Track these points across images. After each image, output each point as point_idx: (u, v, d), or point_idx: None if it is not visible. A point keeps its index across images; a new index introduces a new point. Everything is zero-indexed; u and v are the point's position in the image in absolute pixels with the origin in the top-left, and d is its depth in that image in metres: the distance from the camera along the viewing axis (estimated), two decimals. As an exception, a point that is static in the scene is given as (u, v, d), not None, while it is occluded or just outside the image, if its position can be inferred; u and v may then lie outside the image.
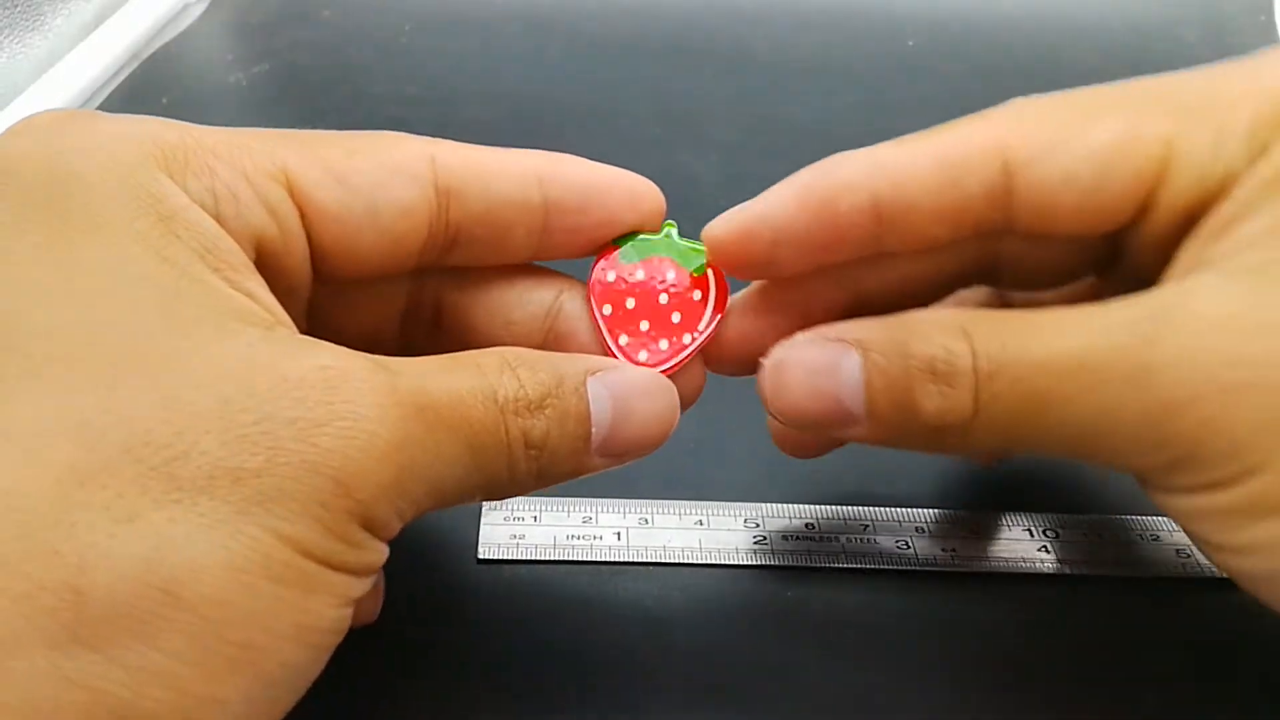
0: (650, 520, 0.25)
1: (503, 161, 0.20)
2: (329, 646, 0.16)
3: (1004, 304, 0.23)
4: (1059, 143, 0.18)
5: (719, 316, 0.21)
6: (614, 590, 0.24)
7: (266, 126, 0.20)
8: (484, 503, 0.25)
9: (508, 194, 0.20)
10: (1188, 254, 0.18)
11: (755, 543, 0.25)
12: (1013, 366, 0.17)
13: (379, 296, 0.21)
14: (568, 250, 0.21)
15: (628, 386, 0.19)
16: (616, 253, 0.22)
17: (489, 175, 0.20)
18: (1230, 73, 0.19)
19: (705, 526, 0.25)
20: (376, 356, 0.17)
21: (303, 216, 0.19)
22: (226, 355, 0.16)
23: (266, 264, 0.18)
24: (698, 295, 0.22)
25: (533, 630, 0.23)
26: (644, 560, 0.24)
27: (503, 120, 0.44)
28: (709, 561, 0.24)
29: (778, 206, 0.20)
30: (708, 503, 0.26)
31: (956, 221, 0.19)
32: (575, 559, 0.24)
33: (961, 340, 0.18)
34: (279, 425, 0.15)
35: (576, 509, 0.25)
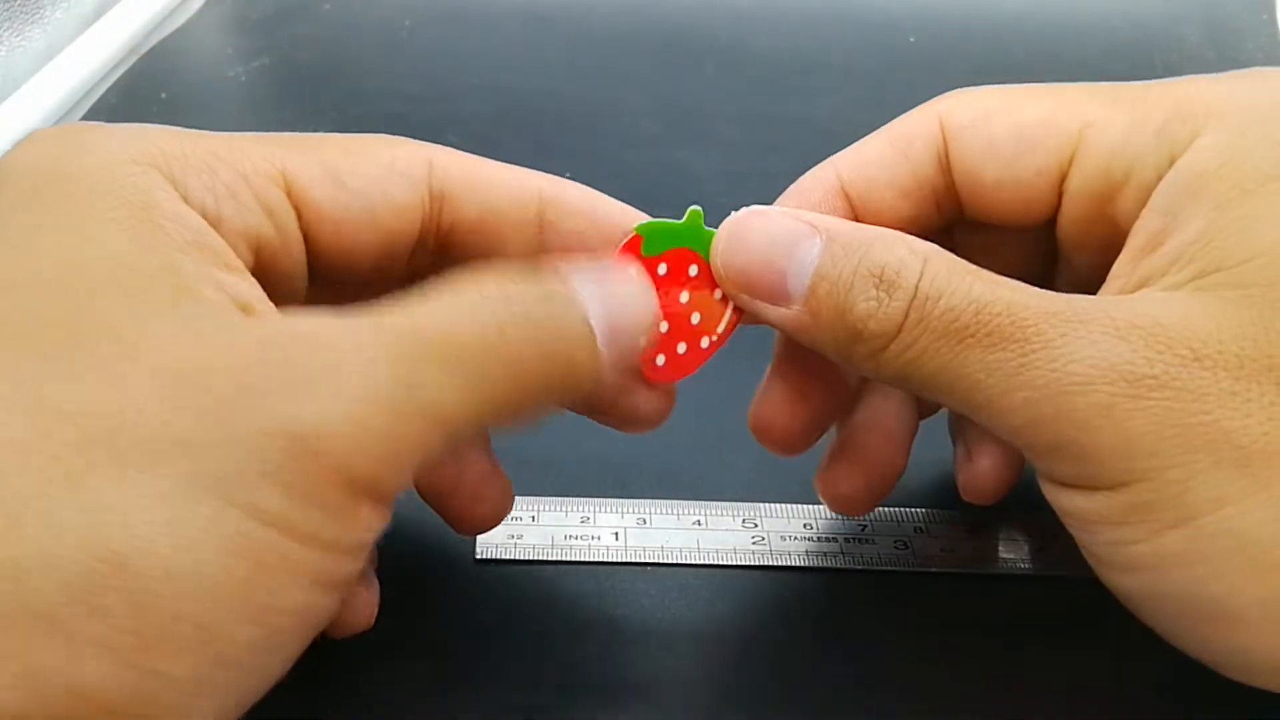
0: (648, 520, 0.25)
1: (501, 173, 0.21)
2: (298, 631, 0.15)
3: None
4: (990, 116, 0.20)
5: (737, 317, 0.21)
6: (612, 590, 0.24)
7: (265, 121, 0.20)
8: None
9: (503, 205, 0.20)
10: (1123, 266, 0.19)
11: (754, 543, 0.25)
12: (950, 299, 0.17)
13: (371, 299, 0.21)
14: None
15: (609, 290, 0.19)
16: (640, 243, 0.21)
17: (485, 184, 0.20)
18: (1178, 82, 0.20)
19: (703, 526, 0.25)
20: (354, 310, 0.16)
21: (300, 216, 0.19)
22: (183, 333, 0.15)
23: (263, 265, 0.18)
24: (719, 294, 0.21)
25: (532, 631, 0.23)
26: (642, 560, 0.24)
27: (502, 116, 0.44)
28: (707, 562, 0.24)
29: (764, 216, 0.21)
30: (706, 503, 0.26)
31: (915, 192, 0.21)
32: (573, 559, 0.24)
33: (917, 259, 0.18)
34: (230, 393, 0.15)
35: (574, 509, 0.25)
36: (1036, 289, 0.18)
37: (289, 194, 0.18)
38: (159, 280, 0.16)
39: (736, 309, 0.21)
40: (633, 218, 0.21)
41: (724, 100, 0.45)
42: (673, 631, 0.23)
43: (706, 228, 0.21)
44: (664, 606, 0.24)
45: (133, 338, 0.15)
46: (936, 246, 0.19)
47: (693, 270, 0.21)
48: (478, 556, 0.24)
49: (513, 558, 0.24)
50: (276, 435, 0.14)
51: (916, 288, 0.18)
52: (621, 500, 0.26)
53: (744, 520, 0.25)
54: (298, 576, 0.15)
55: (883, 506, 0.25)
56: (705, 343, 0.21)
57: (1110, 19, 0.51)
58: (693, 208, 0.21)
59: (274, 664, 0.16)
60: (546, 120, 0.43)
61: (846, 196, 0.21)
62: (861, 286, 0.18)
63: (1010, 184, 0.20)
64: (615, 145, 0.41)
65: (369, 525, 0.16)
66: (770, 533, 0.25)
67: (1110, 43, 0.50)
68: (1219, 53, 0.49)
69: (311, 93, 0.45)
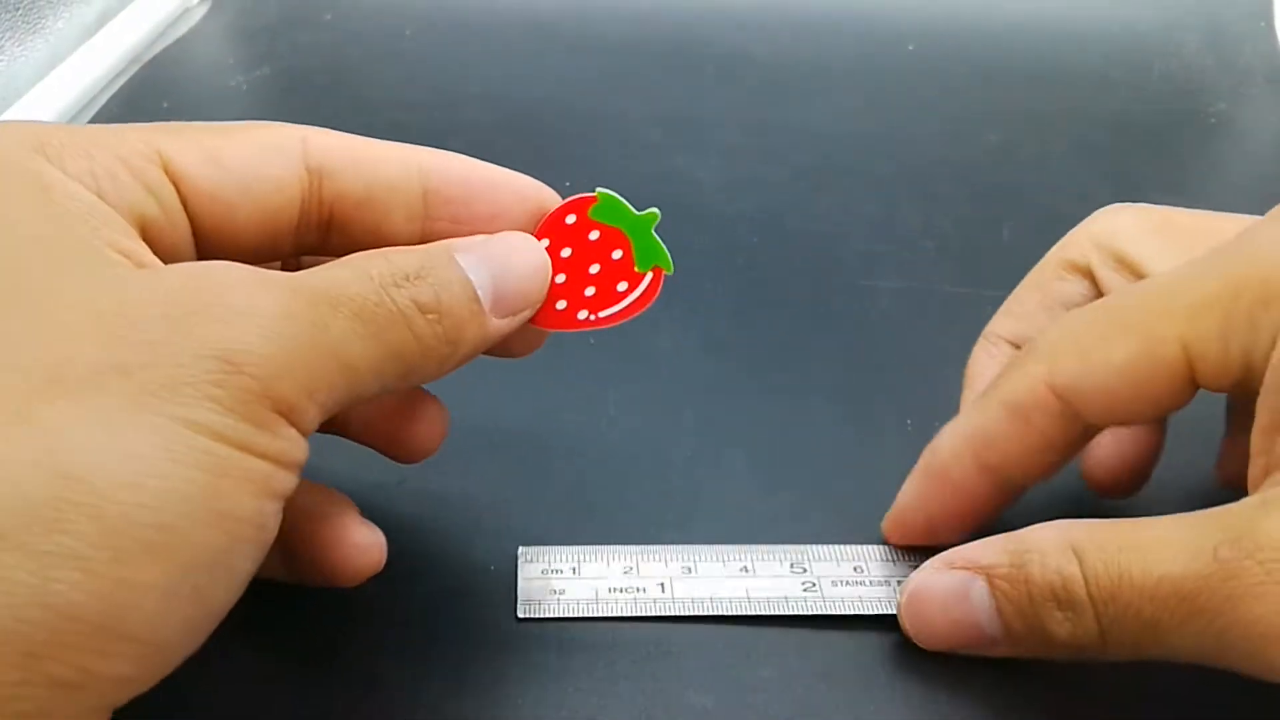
0: (694, 569, 0.24)
1: (379, 147, 0.21)
2: (251, 540, 0.16)
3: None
4: (1089, 370, 0.21)
5: (625, 317, 0.22)
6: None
7: None
8: (519, 556, 0.24)
9: (384, 177, 0.21)
10: (1259, 443, 0.20)
11: (804, 589, 0.24)
12: (1123, 594, 0.19)
13: None
14: None
15: (495, 247, 0.20)
16: (594, 203, 0.22)
17: (363, 158, 0.21)
18: (1230, 256, 0.20)
19: (751, 574, 0.24)
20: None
21: (180, 195, 0.19)
22: (102, 283, 0.16)
23: (151, 241, 0.19)
24: (623, 286, 0.22)
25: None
26: (690, 614, 0.23)
27: (503, 124, 0.44)
28: (758, 613, 0.23)
29: (911, 493, 0.24)
30: (752, 546, 0.25)
31: (1046, 447, 0.22)
32: (618, 614, 0.23)
33: (1073, 563, 0.19)
34: (155, 323, 0.16)
35: (617, 559, 0.24)
36: (1178, 526, 0.19)
37: (167, 173, 0.19)
38: (68, 245, 0.17)
39: (629, 309, 0.22)
40: (518, 182, 0.22)
41: (724, 108, 0.45)
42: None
43: (654, 234, 0.22)
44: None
45: (56, 291, 0.16)
46: (1076, 529, 0.20)
47: (616, 254, 0.22)
48: (520, 616, 0.23)
49: (556, 615, 0.23)
50: (208, 357, 0.15)
51: (1090, 598, 0.19)
52: (666, 547, 0.25)
53: (792, 565, 0.24)
54: (247, 484, 0.16)
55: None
56: (583, 314, 0.22)
57: (1109, 27, 0.52)
58: (652, 209, 0.22)
59: (239, 574, 0.16)
60: (547, 128, 0.44)
61: (981, 466, 0.23)
62: (1048, 614, 0.20)
63: (1139, 406, 0.21)
64: (615, 152, 0.41)
65: (297, 443, 0.17)
66: (821, 579, 0.24)
67: (1109, 50, 0.50)
68: (1218, 59, 0.49)
69: (313, 102, 0.46)
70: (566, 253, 0.22)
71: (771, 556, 0.25)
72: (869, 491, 0.25)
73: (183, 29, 0.51)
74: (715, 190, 0.39)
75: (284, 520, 0.21)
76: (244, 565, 0.16)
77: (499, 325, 0.20)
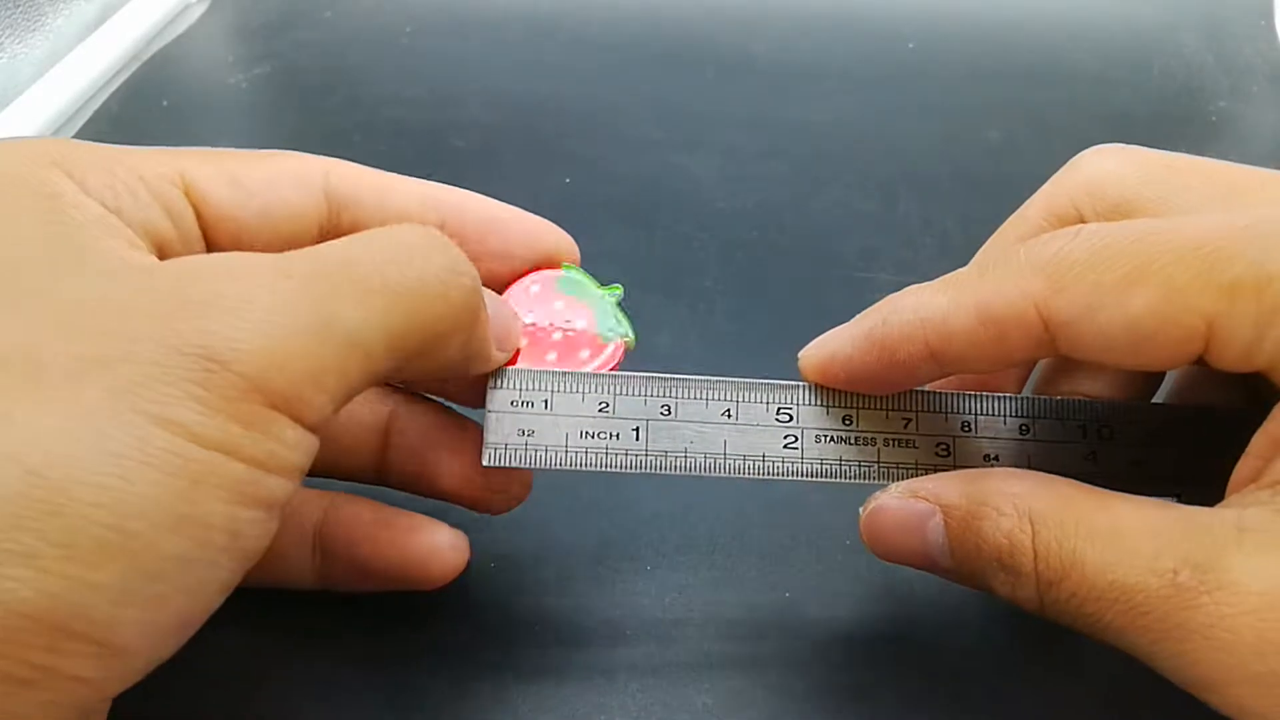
0: (673, 410, 0.22)
1: (400, 182, 0.22)
2: (228, 549, 0.15)
3: None
4: (1097, 307, 0.18)
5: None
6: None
7: (266, 128, 0.20)
8: (488, 382, 0.22)
9: (402, 211, 0.21)
10: (1257, 449, 0.18)
11: (785, 443, 0.22)
12: (1070, 583, 0.18)
13: None
14: None
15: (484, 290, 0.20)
16: (561, 273, 0.23)
17: (382, 191, 0.21)
18: (1272, 230, 0.18)
19: (733, 420, 0.22)
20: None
21: (199, 217, 0.19)
22: (94, 279, 0.16)
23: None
24: (585, 354, 0.22)
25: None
26: (662, 472, 0.22)
27: (504, 123, 0.44)
28: (732, 475, 0.22)
29: (848, 348, 0.21)
30: (738, 382, 0.22)
31: (1007, 361, 0.20)
32: (588, 467, 0.22)
33: (1025, 533, 0.19)
34: (143, 318, 0.15)
35: (593, 391, 0.22)
36: (1144, 523, 0.18)
37: (187, 195, 0.19)
38: (65, 249, 0.16)
39: (604, 365, 0.22)
40: (530, 223, 0.23)
41: (724, 106, 0.45)
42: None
43: (619, 307, 0.23)
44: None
45: (45, 291, 0.16)
46: (1038, 494, 0.19)
47: (580, 324, 0.23)
48: (485, 462, 0.21)
49: (523, 465, 0.22)
50: (189, 352, 0.15)
51: (1035, 574, 0.18)
52: (647, 378, 0.22)
53: (778, 411, 0.22)
54: (219, 489, 0.15)
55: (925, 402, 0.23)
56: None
57: (1109, 25, 0.52)
58: (615, 285, 0.23)
59: (208, 584, 0.16)
60: (547, 126, 0.44)
61: (931, 356, 0.20)
62: (991, 571, 0.19)
63: (1136, 363, 0.19)
64: (616, 150, 0.41)
65: (295, 445, 0.16)
66: (805, 430, 0.22)
67: (1109, 48, 0.50)
68: (1218, 58, 0.49)
69: (312, 99, 0.46)
70: (529, 319, 0.22)
71: (756, 398, 0.22)
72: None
73: (182, 26, 0.51)
74: (715, 186, 0.39)
75: (346, 531, 0.21)
76: (216, 574, 0.16)
77: (494, 346, 0.20)
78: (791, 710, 0.22)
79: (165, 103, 0.45)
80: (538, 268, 0.23)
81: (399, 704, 0.22)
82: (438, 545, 0.22)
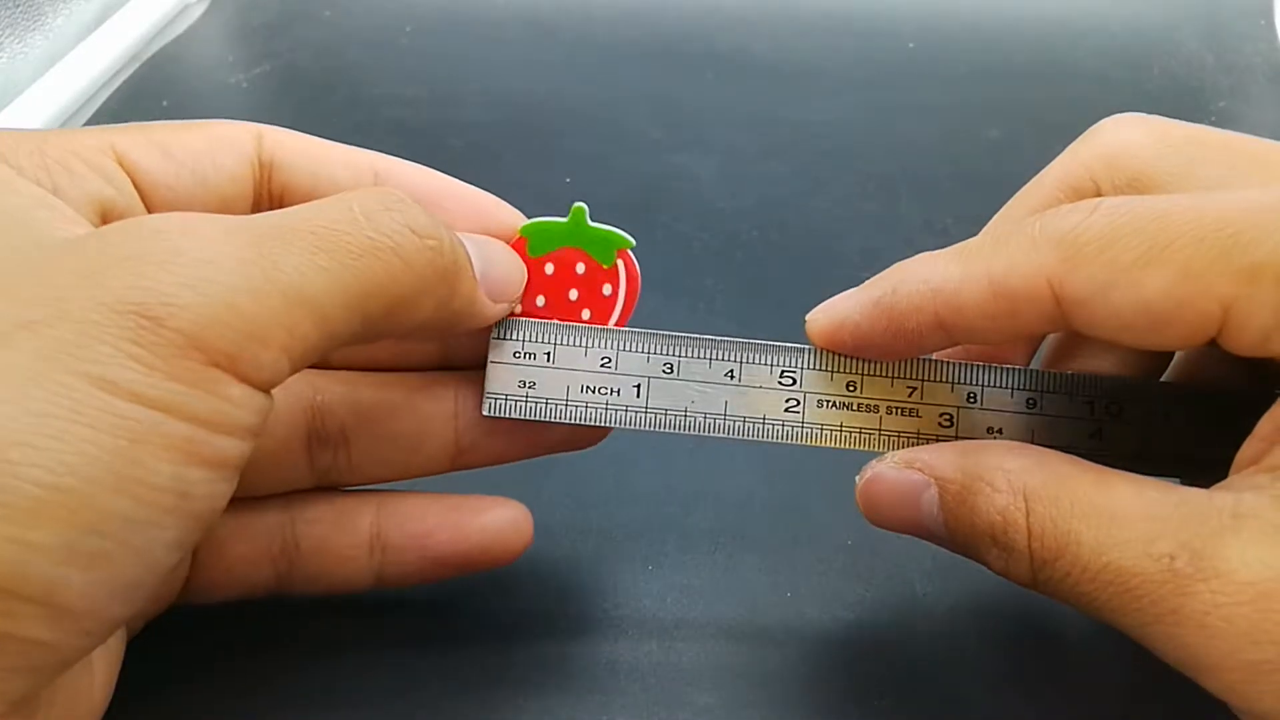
0: (675, 368, 0.22)
1: (331, 148, 0.22)
2: (172, 509, 0.15)
3: None
4: (1111, 286, 0.18)
5: (629, 308, 0.22)
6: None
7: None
8: (492, 332, 0.22)
9: (331, 174, 0.21)
10: (1263, 433, 0.18)
11: (786, 407, 0.22)
12: (1064, 563, 0.18)
13: None
14: None
15: (480, 240, 0.21)
16: (524, 245, 0.22)
17: (317, 156, 0.21)
18: None
19: (735, 381, 0.22)
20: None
21: (136, 187, 0.19)
22: (28, 251, 0.16)
23: None
24: (607, 290, 0.22)
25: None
26: (661, 430, 0.22)
27: (503, 122, 0.44)
28: (732, 436, 0.22)
29: (856, 314, 0.21)
30: (741, 343, 0.22)
31: (1018, 335, 0.20)
32: (587, 422, 0.22)
33: (1020, 511, 0.18)
34: (76, 279, 0.15)
35: (596, 345, 0.22)
36: (1140, 504, 0.18)
37: (121, 166, 0.19)
38: (12, 229, 0.16)
39: (628, 302, 0.22)
40: (474, 198, 0.22)
41: (724, 105, 0.45)
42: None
43: (591, 224, 0.21)
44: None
45: None
46: (1033, 471, 0.19)
47: (580, 268, 0.22)
48: (485, 412, 0.22)
49: (523, 416, 0.22)
50: (122, 310, 0.15)
51: (1030, 550, 0.18)
52: (650, 334, 0.22)
53: (782, 373, 0.22)
54: (163, 449, 0.15)
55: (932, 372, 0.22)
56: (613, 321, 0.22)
57: (1109, 24, 0.52)
58: (575, 204, 0.21)
59: (155, 544, 0.15)
60: (547, 125, 0.43)
61: (941, 327, 0.20)
62: (985, 546, 0.19)
63: (1150, 343, 0.19)
64: (616, 150, 0.41)
65: (242, 403, 0.16)
66: (808, 394, 0.22)
67: (1109, 48, 0.50)
68: (1218, 58, 0.49)
69: (313, 99, 0.46)
70: (541, 301, 0.22)
71: (760, 360, 0.22)
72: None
73: (182, 26, 0.51)
74: (716, 186, 0.39)
75: (413, 525, 0.22)
76: (164, 534, 0.15)
77: (488, 306, 0.20)
78: (793, 709, 0.22)
79: (165, 103, 0.45)
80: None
81: (399, 706, 0.22)
82: (511, 520, 0.22)
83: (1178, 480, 0.20)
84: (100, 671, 0.19)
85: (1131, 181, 0.21)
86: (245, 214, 0.20)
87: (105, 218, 0.19)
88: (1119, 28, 0.51)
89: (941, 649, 0.24)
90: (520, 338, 0.22)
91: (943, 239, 0.36)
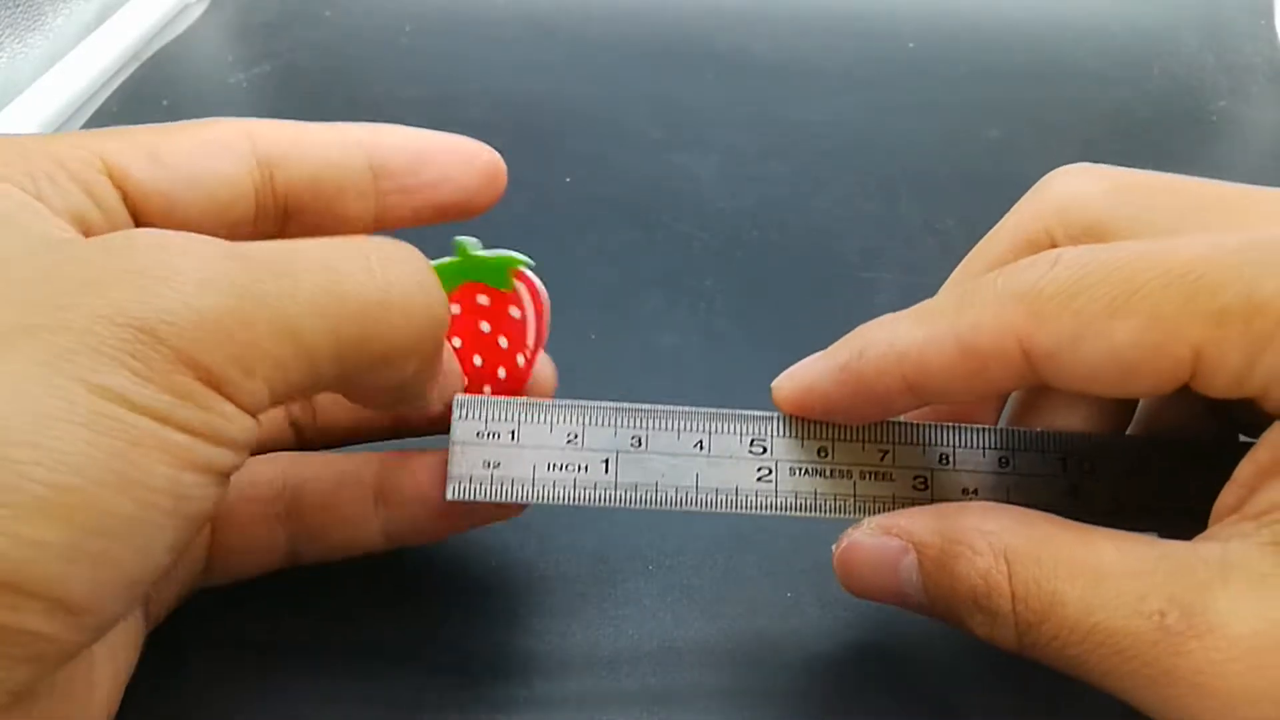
0: (644, 441, 0.22)
1: (322, 130, 0.21)
2: (169, 511, 0.15)
3: None
4: (1079, 338, 0.18)
5: (542, 323, 0.22)
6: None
7: None
8: (454, 408, 0.22)
9: (330, 159, 0.21)
10: (1243, 478, 0.18)
11: (759, 476, 0.22)
12: (1051, 626, 0.17)
13: None
14: (407, 214, 0.22)
15: None
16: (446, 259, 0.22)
17: (308, 143, 0.21)
18: (1260, 257, 0.17)
19: (705, 452, 0.22)
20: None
21: (126, 198, 0.19)
22: (23, 253, 0.16)
23: None
24: (515, 313, 0.22)
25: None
26: (632, 506, 0.22)
27: (503, 122, 0.44)
28: (704, 509, 0.21)
29: (823, 380, 0.21)
30: (711, 412, 0.22)
31: (987, 393, 0.20)
32: (556, 501, 0.21)
33: (1001, 574, 0.18)
34: (74, 287, 0.15)
35: (561, 422, 0.22)
36: (1126, 562, 0.17)
37: (110, 177, 0.19)
38: (9, 231, 0.16)
39: (538, 317, 0.22)
40: (458, 143, 0.22)
41: (724, 105, 0.45)
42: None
43: (477, 254, 0.21)
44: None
45: None
46: (1013, 530, 0.18)
47: (482, 299, 0.22)
48: (449, 496, 0.21)
49: (487, 498, 0.21)
50: (120, 322, 0.15)
51: (1014, 614, 0.18)
52: (616, 407, 0.22)
53: (752, 442, 0.22)
54: (160, 453, 0.15)
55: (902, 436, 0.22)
56: (520, 360, 0.22)
57: (1109, 25, 0.52)
58: (457, 239, 0.21)
59: (155, 544, 0.16)
60: (547, 125, 0.44)
61: (909, 389, 0.20)
62: (968, 611, 0.19)
63: (1122, 393, 0.19)
64: (616, 150, 0.41)
65: (233, 419, 0.16)
66: (780, 462, 0.22)
67: (1109, 48, 0.50)
68: (1218, 58, 0.49)
69: (313, 99, 0.46)
70: (457, 342, 0.22)
71: (729, 429, 0.22)
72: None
73: (182, 26, 0.51)
74: (715, 186, 0.39)
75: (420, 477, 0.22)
76: (163, 535, 0.16)
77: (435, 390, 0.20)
78: (793, 710, 0.22)
79: (165, 103, 0.45)
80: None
81: (399, 709, 0.22)
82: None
83: (1156, 534, 0.20)
84: (104, 664, 0.19)
85: (1086, 231, 0.21)
86: (247, 216, 0.20)
87: (84, 233, 0.18)
88: (1119, 28, 0.51)
89: (941, 649, 0.24)
90: (483, 417, 0.22)
91: (943, 239, 0.37)
